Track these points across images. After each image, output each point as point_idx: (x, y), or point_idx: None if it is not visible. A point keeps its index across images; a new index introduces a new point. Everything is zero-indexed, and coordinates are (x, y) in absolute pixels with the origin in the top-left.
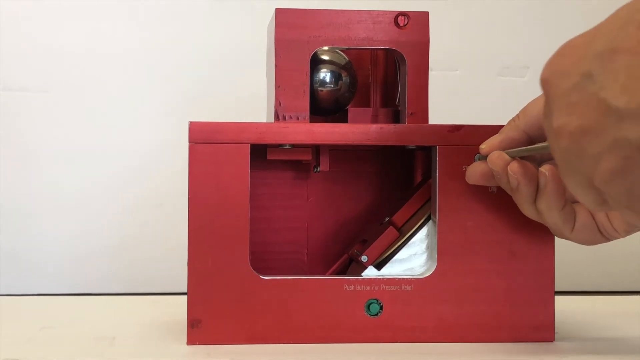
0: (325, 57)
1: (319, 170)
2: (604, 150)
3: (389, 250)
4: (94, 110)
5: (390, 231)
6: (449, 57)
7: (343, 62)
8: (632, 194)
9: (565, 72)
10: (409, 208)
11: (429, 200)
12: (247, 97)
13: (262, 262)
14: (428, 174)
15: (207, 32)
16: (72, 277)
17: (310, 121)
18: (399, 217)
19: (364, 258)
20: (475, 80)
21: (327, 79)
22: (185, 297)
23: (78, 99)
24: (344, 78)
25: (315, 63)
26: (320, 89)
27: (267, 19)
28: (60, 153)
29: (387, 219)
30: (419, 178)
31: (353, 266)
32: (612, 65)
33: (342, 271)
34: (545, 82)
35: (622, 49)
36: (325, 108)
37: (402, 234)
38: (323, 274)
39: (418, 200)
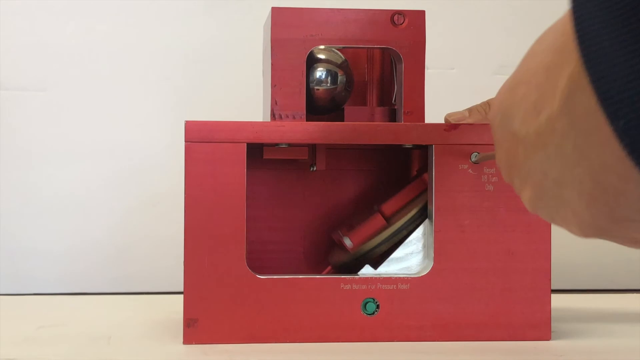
0: (322, 56)
1: (315, 169)
2: (522, 181)
3: (374, 238)
4: (91, 110)
5: (378, 218)
6: (446, 55)
7: (339, 61)
8: (554, 218)
9: (493, 112)
10: (400, 199)
11: (420, 194)
12: (243, 96)
13: (258, 261)
14: (423, 169)
15: (203, 32)
16: (69, 276)
17: (307, 120)
18: (388, 206)
19: (347, 241)
20: (472, 79)
21: (324, 78)
22: (182, 296)
23: (75, 98)
24: (340, 77)
25: (312, 62)
26: (316, 87)
27: (264, 18)
28: (57, 152)
29: (375, 207)
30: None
31: (335, 251)
32: (515, 97)
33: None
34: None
35: (523, 81)
36: (321, 107)
37: (389, 224)
38: (320, 272)
39: (409, 192)
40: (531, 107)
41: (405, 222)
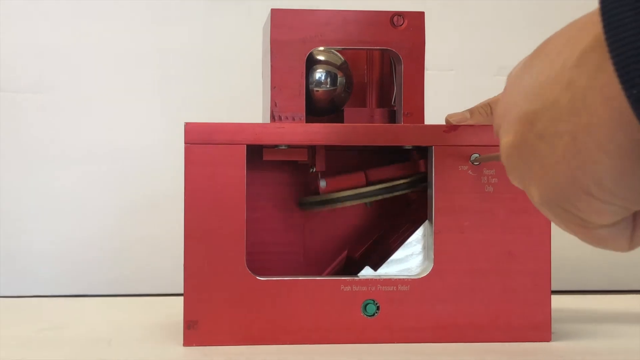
0: (321, 57)
1: (315, 170)
2: (509, 127)
3: (348, 190)
4: (88, 112)
5: (359, 176)
6: (444, 56)
7: (339, 63)
8: (520, 173)
9: (516, 66)
10: (387, 171)
11: (410, 175)
12: (242, 97)
13: (258, 262)
14: (422, 155)
15: (202, 33)
16: (68, 279)
17: (306, 122)
18: (373, 173)
19: (322, 182)
20: (471, 80)
21: (323, 79)
22: (181, 298)
23: (72, 100)
24: (339, 78)
25: (311, 63)
26: (316, 89)
27: (263, 20)
28: (54, 154)
29: (362, 170)
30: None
31: (308, 195)
32: (541, 52)
33: (339, 271)
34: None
35: (552, 39)
36: (321, 108)
37: (367, 185)
38: (319, 274)
39: (399, 169)
40: (550, 58)
41: (383, 189)
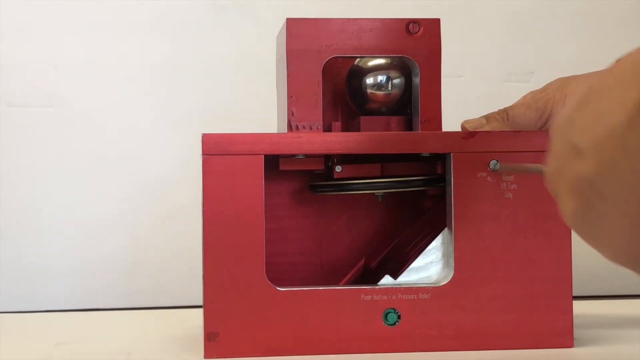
0: (374, 62)
1: (341, 170)
2: (568, 193)
3: (363, 178)
4: (100, 125)
5: (376, 166)
6: (454, 63)
7: (391, 63)
8: (591, 236)
9: (559, 117)
10: (404, 167)
11: (426, 174)
12: (255, 108)
13: (275, 272)
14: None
15: (212, 44)
16: (83, 292)
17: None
18: (390, 166)
19: (337, 167)
20: (481, 87)
21: (384, 82)
22: (197, 310)
23: (83, 114)
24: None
25: (363, 70)
26: (375, 92)
27: (270, 28)
28: (67, 168)
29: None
30: (431, 190)
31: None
32: (585, 106)
33: (356, 281)
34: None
35: (594, 89)
36: (376, 110)
37: (382, 176)
38: (337, 283)
39: (416, 167)
40: (596, 116)
41: (397, 182)
